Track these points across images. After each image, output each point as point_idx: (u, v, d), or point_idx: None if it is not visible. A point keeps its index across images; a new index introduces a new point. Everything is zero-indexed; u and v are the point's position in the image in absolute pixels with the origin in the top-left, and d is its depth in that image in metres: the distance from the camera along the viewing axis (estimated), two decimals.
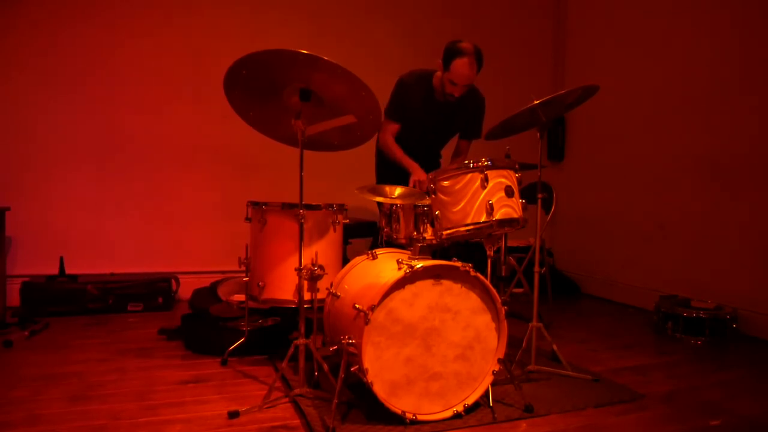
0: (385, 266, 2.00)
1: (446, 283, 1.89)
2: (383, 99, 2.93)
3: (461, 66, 2.70)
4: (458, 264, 1.88)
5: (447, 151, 3.28)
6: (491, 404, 1.96)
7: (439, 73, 2.87)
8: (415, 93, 2.95)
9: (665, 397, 2.16)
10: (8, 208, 3.22)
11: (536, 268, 2.39)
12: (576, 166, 4.63)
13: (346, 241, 2.88)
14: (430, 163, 3.22)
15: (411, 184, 2.78)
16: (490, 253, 2.17)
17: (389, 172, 3.06)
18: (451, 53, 2.72)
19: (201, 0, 3.83)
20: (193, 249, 3.87)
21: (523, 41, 4.77)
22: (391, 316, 1.82)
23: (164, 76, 3.78)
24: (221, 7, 3.88)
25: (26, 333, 2.81)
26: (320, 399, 2.02)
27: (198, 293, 3.34)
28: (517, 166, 2.12)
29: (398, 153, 2.96)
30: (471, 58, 2.69)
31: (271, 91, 2.09)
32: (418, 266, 1.83)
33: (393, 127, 2.99)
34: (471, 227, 2.01)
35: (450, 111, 2.98)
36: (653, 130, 3.85)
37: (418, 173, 2.82)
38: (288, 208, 2.31)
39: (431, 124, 3.04)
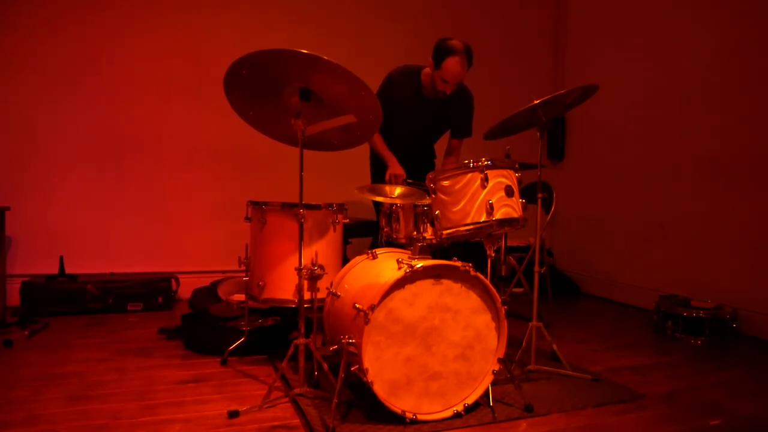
0: (385, 266, 2.00)
1: (446, 283, 1.89)
2: None
3: (453, 65, 2.72)
4: (458, 264, 1.88)
5: (441, 147, 3.28)
6: (491, 404, 1.96)
7: (427, 70, 2.89)
8: (404, 89, 2.96)
9: (665, 397, 2.16)
10: (8, 208, 3.22)
11: (536, 268, 2.39)
12: (576, 166, 4.63)
13: (346, 241, 2.88)
14: (423, 159, 3.23)
15: (387, 178, 2.82)
16: (490, 252, 2.17)
17: (382, 172, 3.06)
18: (442, 52, 2.74)
19: (201, 0, 3.84)
20: (193, 249, 3.87)
21: (523, 41, 4.77)
22: (391, 316, 1.82)
23: (164, 76, 3.78)
24: (221, 7, 3.88)
25: (26, 333, 2.81)
26: (320, 398, 2.02)
27: (198, 293, 3.35)
28: (517, 166, 2.12)
29: (380, 145, 2.99)
30: (462, 57, 2.72)
31: (271, 91, 2.09)
32: (418, 266, 1.83)
33: None
34: (471, 227, 2.01)
35: (439, 106, 3.00)
36: (653, 130, 3.85)
37: (395, 167, 2.86)
38: (288, 207, 2.31)
39: (421, 120, 3.05)
